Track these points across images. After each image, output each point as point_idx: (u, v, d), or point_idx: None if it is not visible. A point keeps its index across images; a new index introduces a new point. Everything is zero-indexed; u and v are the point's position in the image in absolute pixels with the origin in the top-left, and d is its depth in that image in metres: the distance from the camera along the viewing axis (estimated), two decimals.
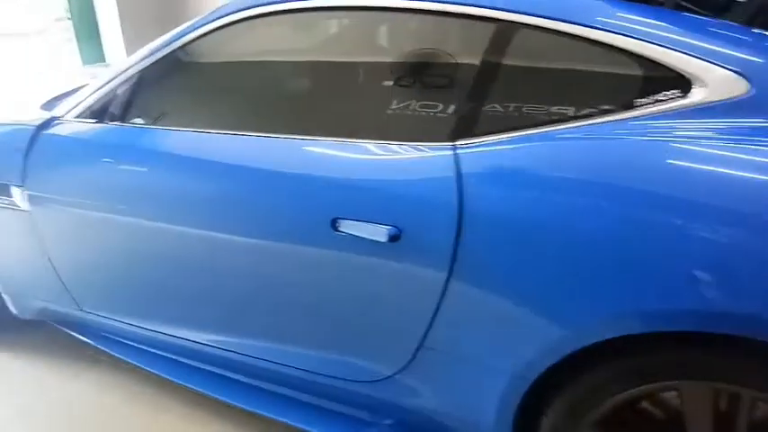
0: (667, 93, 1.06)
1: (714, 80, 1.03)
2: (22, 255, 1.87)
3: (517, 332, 1.14)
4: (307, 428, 1.52)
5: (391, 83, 1.39)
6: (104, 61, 5.83)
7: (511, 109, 1.18)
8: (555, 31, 1.15)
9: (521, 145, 1.12)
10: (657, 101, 1.07)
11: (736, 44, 1.08)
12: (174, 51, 1.56)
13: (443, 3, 1.25)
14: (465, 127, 1.20)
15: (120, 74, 1.63)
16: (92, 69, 5.57)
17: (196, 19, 1.56)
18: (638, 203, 1.00)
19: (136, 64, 1.61)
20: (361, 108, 1.43)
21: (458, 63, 1.30)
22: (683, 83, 1.06)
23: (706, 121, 1.03)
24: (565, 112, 1.13)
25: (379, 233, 1.19)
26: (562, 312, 1.08)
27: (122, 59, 1.93)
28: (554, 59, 1.21)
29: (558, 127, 1.11)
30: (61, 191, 1.67)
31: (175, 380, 1.73)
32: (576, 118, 1.12)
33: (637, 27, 1.10)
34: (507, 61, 1.21)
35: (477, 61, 1.22)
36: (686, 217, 0.96)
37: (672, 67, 1.07)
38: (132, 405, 1.84)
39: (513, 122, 1.16)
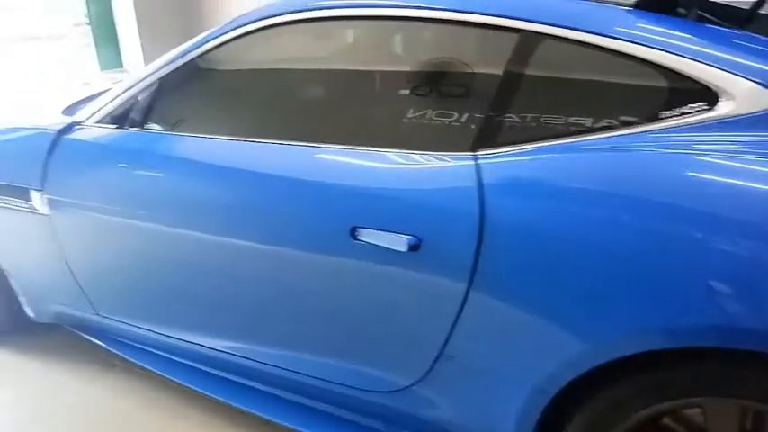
0: (693, 105, 1.05)
1: (741, 93, 1.02)
2: (40, 258, 1.88)
3: (537, 345, 1.12)
4: None
5: (408, 92, 1.39)
6: (122, 67, 5.89)
7: (531, 119, 1.17)
8: (579, 42, 1.14)
9: (543, 156, 1.11)
10: (683, 113, 1.05)
11: (762, 56, 1.07)
12: (193, 60, 1.58)
13: (465, 12, 1.25)
14: (486, 137, 1.19)
15: (141, 81, 1.65)
16: (110, 75, 5.62)
17: (215, 28, 1.57)
18: (660, 216, 0.99)
19: (156, 71, 1.63)
20: (379, 116, 1.43)
21: (475, 73, 1.30)
22: (709, 95, 1.04)
23: (731, 134, 1.02)
24: (587, 123, 1.13)
25: (399, 242, 1.18)
26: (583, 326, 1.07)
27: (142, 66, 1.95)
28: (577, 70, 1.20)
29: (582, 138, 1.10)
30: (81, 195, 1.68)
31: (192, 386, 1.74)
32: (598, 129, 1.11)
33: (661, 39, 1.10)
34: (530, 71, 1.20)
35: (498, 71, 1.22)
36: (708, 230, 0.95)
37: (697, 79, 1.06)
38: (148, 411, 1.85)
39: (535, 133, 1.15)
